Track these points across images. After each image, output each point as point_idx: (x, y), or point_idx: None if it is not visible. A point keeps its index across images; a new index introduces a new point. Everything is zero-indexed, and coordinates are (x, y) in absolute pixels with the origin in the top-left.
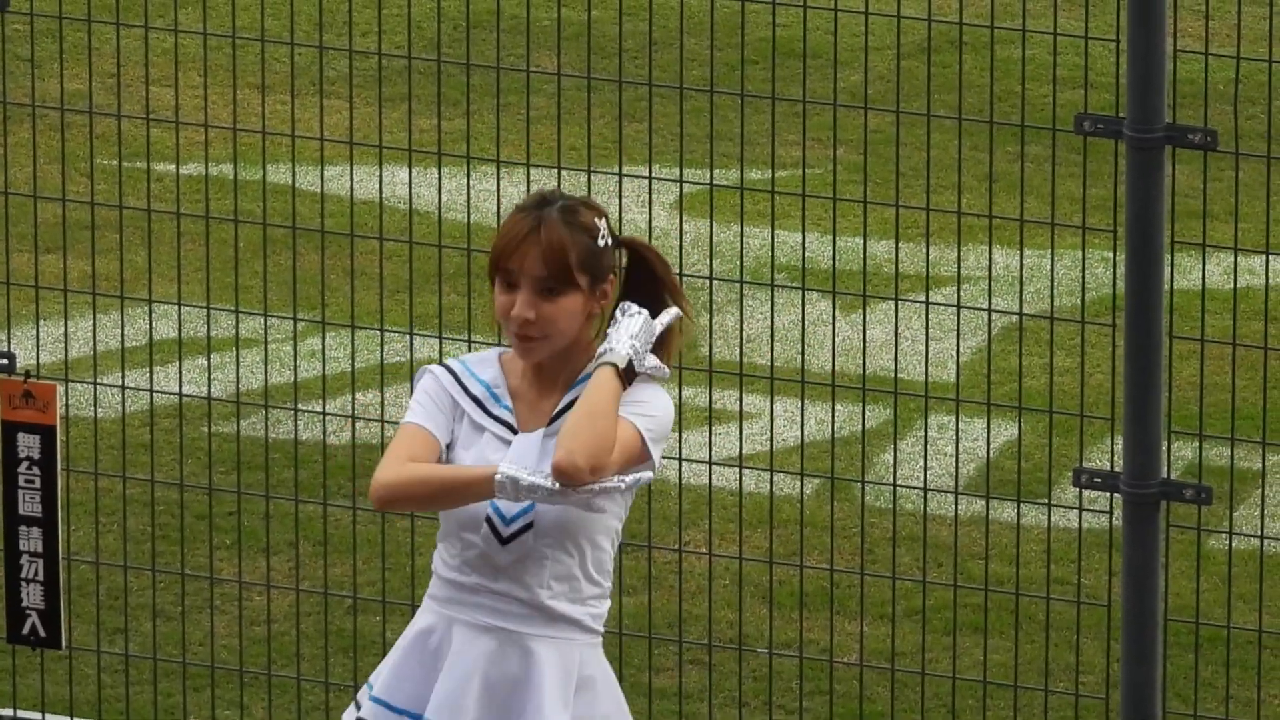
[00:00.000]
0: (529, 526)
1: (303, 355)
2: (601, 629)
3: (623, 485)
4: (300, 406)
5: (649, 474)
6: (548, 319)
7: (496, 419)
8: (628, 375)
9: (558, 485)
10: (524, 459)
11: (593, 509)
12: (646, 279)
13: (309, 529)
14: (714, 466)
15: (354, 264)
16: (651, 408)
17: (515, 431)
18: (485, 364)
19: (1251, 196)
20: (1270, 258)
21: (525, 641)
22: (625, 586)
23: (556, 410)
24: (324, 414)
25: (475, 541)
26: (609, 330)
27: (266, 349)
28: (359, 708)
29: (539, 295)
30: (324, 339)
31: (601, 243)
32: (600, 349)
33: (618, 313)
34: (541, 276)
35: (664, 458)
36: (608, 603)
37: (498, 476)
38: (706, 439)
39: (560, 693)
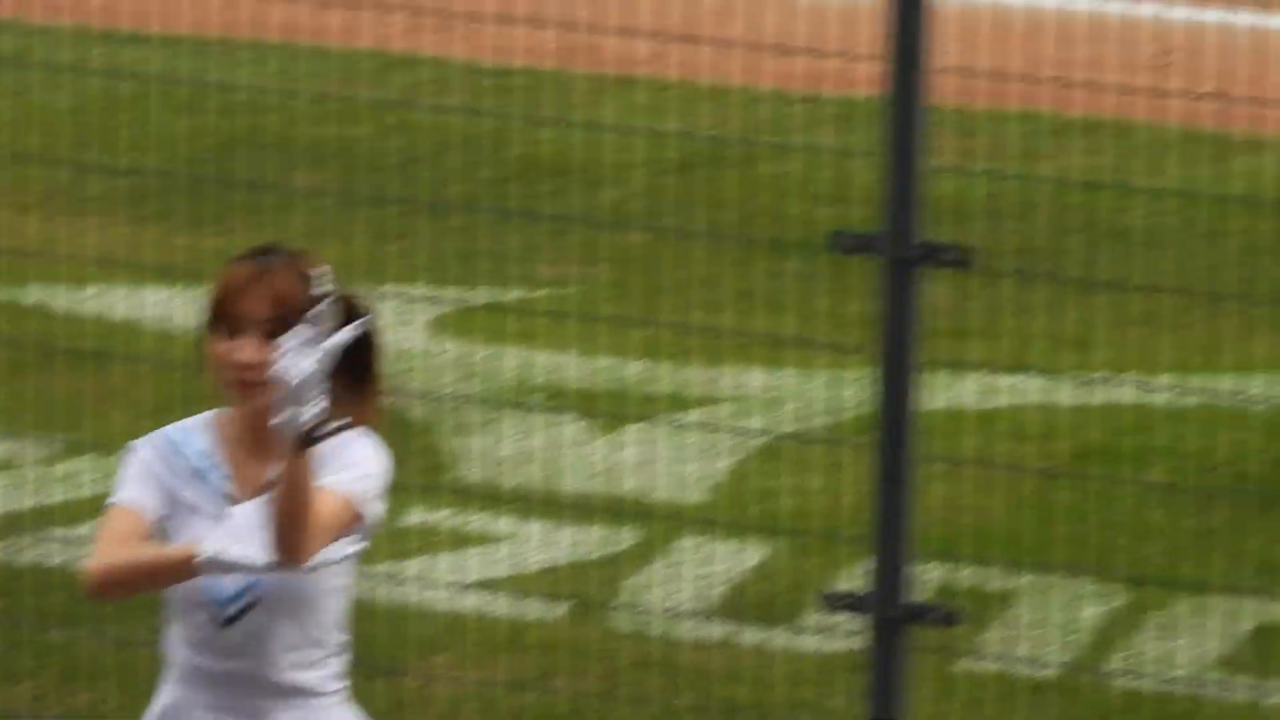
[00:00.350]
0: (253, 604)
1: (56, 479)
2: (341, 684)
3: (336, 560)
4: (49, 532)
5: (363, 545)
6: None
7: (213, 491)
8: (316, 435)
9: (263, 561)
10: (243, 531)
11: (311, 570)
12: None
13: (55, 657)
14: (463, 589)
15: (109, 385)
16: (363, 468)
17: (234, 502)
18: (197, 431)
19: (1009, 313)
20: (1024, 376)
21: (263, 718)
22: (372, 713)
23: (275, 476)
24: (69, 540)
25: (199, 624)
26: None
27: (19, 473)
28: None
29: (265, 338)
30: (78, 463)
31: (323, 289)
32: (274, 420)
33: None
34: (267, 319)
35: (414, 579)
36: (344, 656)
37: (198, 559)
38: (457, 562)
39: None
